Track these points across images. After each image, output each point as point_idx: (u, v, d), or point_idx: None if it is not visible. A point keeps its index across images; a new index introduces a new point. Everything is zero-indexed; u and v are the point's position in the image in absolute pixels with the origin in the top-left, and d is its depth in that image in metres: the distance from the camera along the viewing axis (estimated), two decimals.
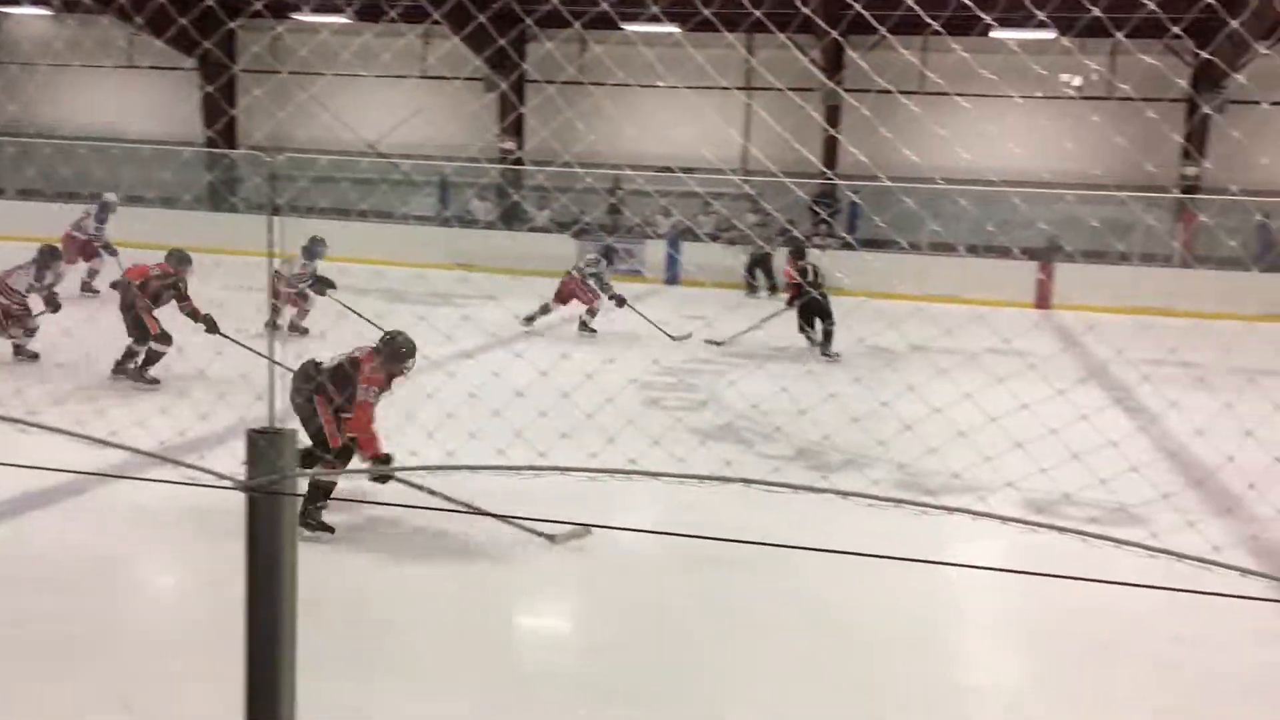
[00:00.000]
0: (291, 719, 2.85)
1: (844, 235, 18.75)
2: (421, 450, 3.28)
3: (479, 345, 11.64)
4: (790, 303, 12.99)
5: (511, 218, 22.44)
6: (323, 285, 12.30)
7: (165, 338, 9.45)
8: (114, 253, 14.22)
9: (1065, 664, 4.73)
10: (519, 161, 22.29)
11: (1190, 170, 20.96)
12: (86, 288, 14.33)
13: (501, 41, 18.78)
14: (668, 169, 18.80)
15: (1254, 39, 16.41)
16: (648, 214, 21.73)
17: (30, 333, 10.17)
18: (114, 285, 11.06)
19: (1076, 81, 20.57)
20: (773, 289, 18.29)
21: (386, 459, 5.30)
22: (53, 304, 10.48)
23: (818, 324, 12.57)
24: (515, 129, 23.18)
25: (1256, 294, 15.84)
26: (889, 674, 4.49)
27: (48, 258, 10.70)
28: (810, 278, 12.52)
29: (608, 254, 13.71)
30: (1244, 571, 2.55)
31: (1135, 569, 2.78)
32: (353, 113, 19.27)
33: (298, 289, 12.40)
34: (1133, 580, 2.90)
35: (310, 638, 2.95)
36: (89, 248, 14.42)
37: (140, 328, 9.44)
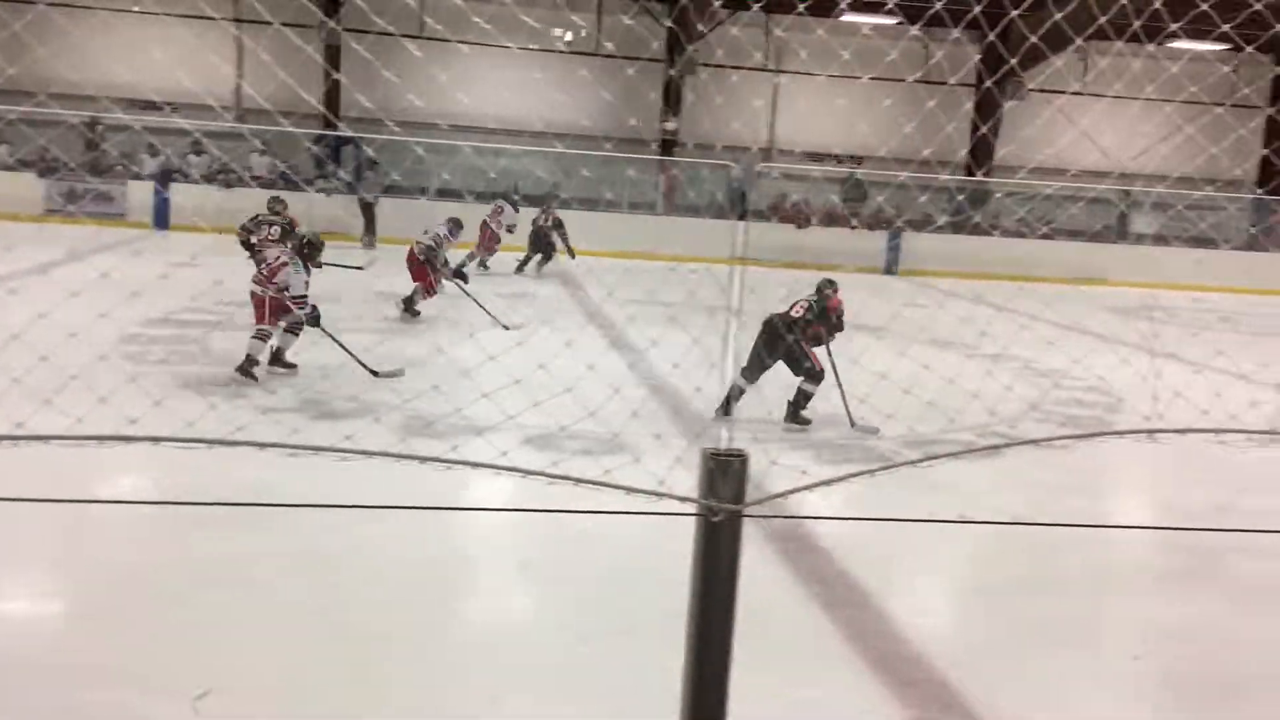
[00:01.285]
0: None
1: (346, 179, 18.38)
2: None
3: None
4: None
5: None
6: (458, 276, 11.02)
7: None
8: None
9: (557, 587, 5.04)
10: None
11: (669, 125, 22.95)
12: None
13: None
14: (152, 103, 17.22)
15: (720, 8, 18.27)
16: (129, 152, 19.84)
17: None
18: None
19: (568, 37, 21.67)
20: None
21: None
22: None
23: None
24: None
25: (728, 240, 17.77)
26: (391, 620, 4.50)
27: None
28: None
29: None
30: (656, 493, 2.81)
31: (616, 497, 3.01)
32: None
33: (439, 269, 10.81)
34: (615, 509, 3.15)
35: None
36: None
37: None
